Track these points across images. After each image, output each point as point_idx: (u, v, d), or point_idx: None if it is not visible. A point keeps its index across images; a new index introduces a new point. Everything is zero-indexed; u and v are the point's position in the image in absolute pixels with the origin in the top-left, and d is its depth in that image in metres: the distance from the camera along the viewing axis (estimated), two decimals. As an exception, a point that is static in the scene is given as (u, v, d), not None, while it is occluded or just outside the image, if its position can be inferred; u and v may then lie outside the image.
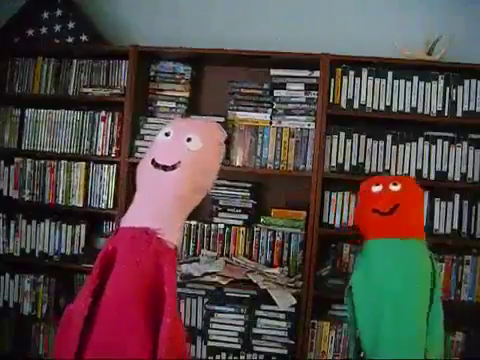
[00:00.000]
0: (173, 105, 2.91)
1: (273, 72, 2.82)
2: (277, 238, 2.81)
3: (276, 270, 2.72)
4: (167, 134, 1.93)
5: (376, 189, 2.25)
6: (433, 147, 2.71)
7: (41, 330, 2.99)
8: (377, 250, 2.17)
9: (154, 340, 1.70)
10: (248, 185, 2.89)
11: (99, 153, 2.91)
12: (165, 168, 1.85)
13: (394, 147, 2.73)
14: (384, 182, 2.26)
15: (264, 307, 2.70)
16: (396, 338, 2.02)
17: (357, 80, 2.73)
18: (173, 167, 1.84)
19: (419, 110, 2.70)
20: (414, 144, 2.72)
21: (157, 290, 1.74)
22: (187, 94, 2.92)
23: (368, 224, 2.24)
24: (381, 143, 2.73)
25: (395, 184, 2.23)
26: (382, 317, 2.05)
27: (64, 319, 1.80)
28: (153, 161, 1.87)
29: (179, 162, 1.84)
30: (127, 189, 2.83)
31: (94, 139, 2.92)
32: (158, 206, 1.84)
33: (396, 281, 2.07)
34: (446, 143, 2.70)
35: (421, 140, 2.72)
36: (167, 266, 1.77)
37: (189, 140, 1.88)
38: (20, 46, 2.99)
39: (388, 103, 2.71)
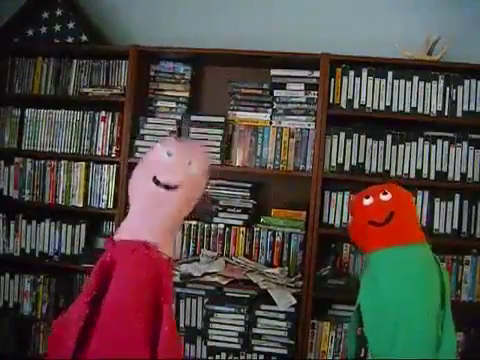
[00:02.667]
0: (173, 105, 2.91)
1: (273, 72, 2.82)
2: (277, 238, 2.81)
3: (276, 270, 2.72)
4: (169, 154, 2.00)
5: (367, 202, 2.21)
6: (433, 147, 2.71)
7: (41, 330, 2.99)
8: (382, 262, 2.12)
9: (152, 349, 1.73)
10: (248, 185, 2.89)
11: (99, 153, 2.90)
12: (167, 187, 1.94)
13: (394, 147, 2.72)
14: (373, 193, 2.22)
15: (264, 307, 2.70)
16: (412, 348, 1.97)
17: (357, 80, 2.73)
18: (175, 187, 1.94)
19: (419, 110, 2.70)
20: (414, 144, 2.72)
21: (156, 301, 1.80)
22: (187, 94, 2.92)
23: (367, 237, 2.19)
24: (381, 143, 2.73)
25: (385, 193, 2.19)
26: (396, 329, 1.99)
27: (57, 328, 1.83)
28: (154, 178, 1.94)
29: (181, 183, 1.95)
30: (127, 189, 2.82)
31: (94, 139, 2.91)
32: (157, 221, 1.94)
33: (406, 290, 2.03)
34: (446, 143, 2.70)
35: (421, 140, 2.72)
36: (165, 278, 1.85)
37: (190, 163, 2.00)
38: (20, 46, 2.99)
39: (388, 103, 2.71)
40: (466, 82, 2.68)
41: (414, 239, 2.14)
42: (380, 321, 2.06)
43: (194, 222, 2.84)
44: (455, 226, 2.70)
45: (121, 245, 1.89)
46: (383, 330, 2.04)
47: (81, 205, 2.91)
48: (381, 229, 2.14)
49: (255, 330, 2.71)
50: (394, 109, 2.71)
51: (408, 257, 2.09)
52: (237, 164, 2.82)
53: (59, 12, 2.96)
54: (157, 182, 1.94)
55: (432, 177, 2.70)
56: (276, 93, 2.82)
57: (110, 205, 2.89)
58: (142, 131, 2.86)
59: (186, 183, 1.97)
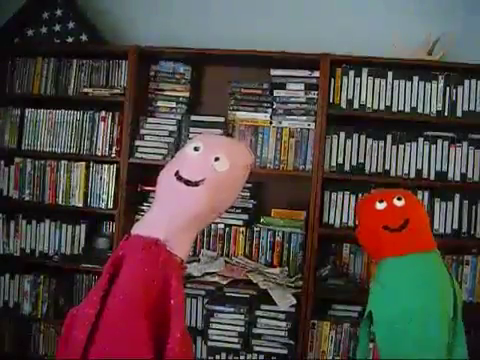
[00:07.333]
0: (173, 105, 2.91)
1: (273, 72, 2.82)
2: (277, 238, 2.81)
3: (276, 270, 2.72)
4: (196, 149, 1.90)
5: (381, 206, 2.15)
6: (433, 147, 2.71)
7: (41, 330, 2.99)
8: (397, 269, 2.07)
9: (156, 352, 1.69)
10: (248, 185, 2.88)
11: (99, 153, 2.90)
12: (188, 183, 1.82)
13: (394, 147, 2.73)
14: (387, 198, 2.17)
15: (264, 307, 2.70)
16: (424, 355, 1.94)
17: (357, 80, 2.73)
18: (196, 184, 1.82)
19: (419, 110, 2.70)
20: (414, 144, 2.72)
21: (162, 303, 1.73)
22: (187, 94, 2.92)
23: (380, 243, 2.13)
24: (381, 143, 2.73)
25: (399, 199, 2.14)
26: (406, 336, 1.96)
27: (68, 323, 1.80)
28: (177, 173, 1.85)
29: (203, 180, 1.82)
30: (127, 189, 2.83)
31: (94, 139, 2.91)
32: (173, 219, 1.82)
33: (421, 298, 1.99)
34: (446, 143, 2.70)
35: (421, 140, 2.72)
36: (175, 280, 1.75)
37: (217, 159, 1.85)
38: (20, 46, 2.99)
39: (388, 103, 2.71)
40: (466, 82, 2.68)
41: (428, 247, 2.10)
42: (394, 329, 2.01)
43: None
44: (455, 226, 2.70)
45: (133, 241, 1.83)
46: (397, 338, 1.99)
47: (81, 205, 2.91)
48: (396, 235, 2.09)
49: (255, 330, 2.71)
50: (394, 109, 2.71)
51: (423, 265, 2.05)
52: (237, 164, 2.81)
53: (59, 12, 2.96)
54: (179, 177, 1.83)
55: (432, 177, 2.70)
56: (276, 93, 2.82)
57: (110, 205, 2.89)
58: (142, 131, 2.86)
59: (210, 180, 1.82)
